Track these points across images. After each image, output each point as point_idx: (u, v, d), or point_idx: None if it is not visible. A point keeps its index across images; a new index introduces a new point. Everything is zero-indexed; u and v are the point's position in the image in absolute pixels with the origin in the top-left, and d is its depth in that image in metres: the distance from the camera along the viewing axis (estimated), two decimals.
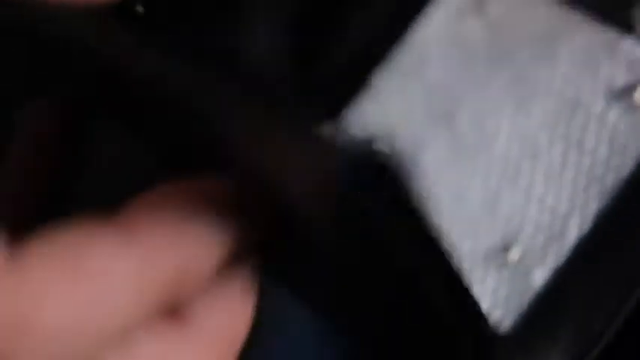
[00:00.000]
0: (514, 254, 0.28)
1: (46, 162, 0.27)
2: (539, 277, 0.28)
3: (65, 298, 0.22)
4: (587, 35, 0.29)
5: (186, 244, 0.24)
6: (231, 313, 0.25)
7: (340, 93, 0.26)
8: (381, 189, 0.26)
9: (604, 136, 0.29)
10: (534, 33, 0.28)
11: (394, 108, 0.27)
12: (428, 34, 0.28)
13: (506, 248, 0.28)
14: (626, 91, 0.29)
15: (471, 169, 0.28)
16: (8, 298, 0.21)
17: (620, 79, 0.29)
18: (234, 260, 0.25)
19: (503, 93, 0.28)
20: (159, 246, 0.23)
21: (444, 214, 0.27)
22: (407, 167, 0.26)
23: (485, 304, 0.28)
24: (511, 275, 0.28)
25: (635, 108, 0.29)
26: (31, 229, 0.23)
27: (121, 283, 0.22)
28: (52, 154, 0.27)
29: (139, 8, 0.26)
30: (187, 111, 0.24)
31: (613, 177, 0.29)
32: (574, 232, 0.29)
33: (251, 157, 0.24)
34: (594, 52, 0.29)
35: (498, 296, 0.28)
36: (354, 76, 0.27)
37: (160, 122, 0.26)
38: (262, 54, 0.26)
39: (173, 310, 0.24)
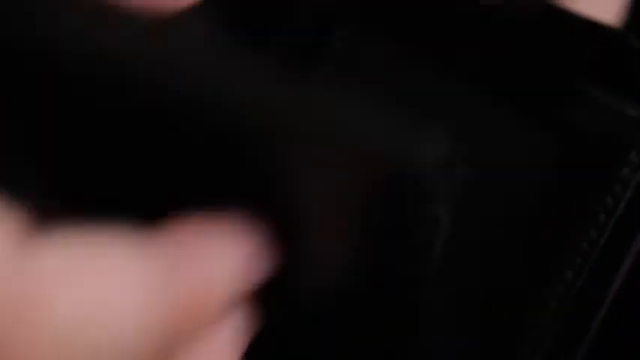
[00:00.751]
0: None
1: None
2: None
3: (75, 289, 0.21)
4: None
5: (210, 265, 0.23)
6: None
7: None
8: None
9: None
10: None
11: None
12: None
13: None
14: None
15: None
16: (14, 278, 0.20)
17: None
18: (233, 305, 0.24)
19: None
20: (184, 258, 0.22)
21: None
22: None
23: None
24: None
25: None
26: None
27: (137, 287, 0.21)
28: None
29: None
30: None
31: None
32: None
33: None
34: None
35: None
36: None
37: None
38: None
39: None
